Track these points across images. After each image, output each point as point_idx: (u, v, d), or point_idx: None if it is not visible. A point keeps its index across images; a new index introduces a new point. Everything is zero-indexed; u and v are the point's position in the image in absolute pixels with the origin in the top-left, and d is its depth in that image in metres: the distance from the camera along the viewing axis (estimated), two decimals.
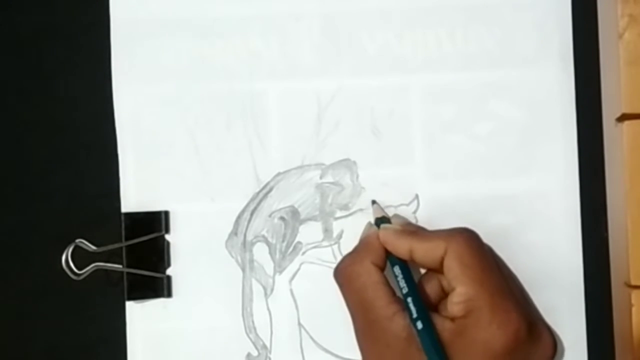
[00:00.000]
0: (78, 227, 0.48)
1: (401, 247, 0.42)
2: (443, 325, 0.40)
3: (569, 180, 0.47)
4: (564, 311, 0.47)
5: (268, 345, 0.48)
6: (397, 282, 0.42)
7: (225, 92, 0.48)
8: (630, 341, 0.43)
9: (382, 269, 0.43)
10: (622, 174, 0.44)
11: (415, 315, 0.40)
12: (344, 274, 0.43)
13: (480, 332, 0.40)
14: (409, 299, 0.41)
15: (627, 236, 0.44)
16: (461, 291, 0.40)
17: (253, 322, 0.48)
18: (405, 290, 0.42)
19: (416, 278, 0.43)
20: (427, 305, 0.42)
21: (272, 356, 0.47)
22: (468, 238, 0.42)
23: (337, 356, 0.47)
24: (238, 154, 0.48)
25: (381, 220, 0.45)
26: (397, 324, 0.41)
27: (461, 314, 0.40)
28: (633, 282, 0.43)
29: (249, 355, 0.48)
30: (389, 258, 0.43)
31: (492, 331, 0.40)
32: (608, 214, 0.47)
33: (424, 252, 0.42)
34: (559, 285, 0.47)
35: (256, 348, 0.48)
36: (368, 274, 0.42)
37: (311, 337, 0.48)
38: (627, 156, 0.44)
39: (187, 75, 0.48)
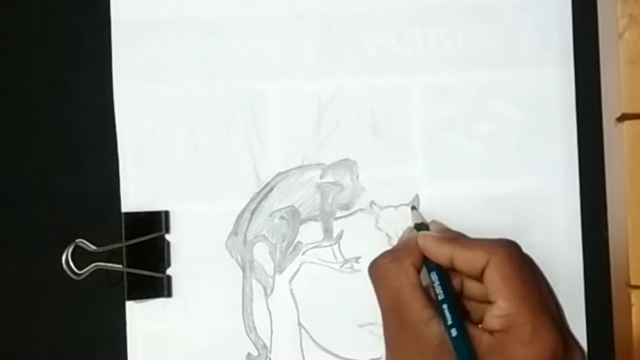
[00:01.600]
0: (78, 227, 0.48)
1: (442, 253, 0.42)
2: (480, 338, 0.40)
3: (569, 180, 0.47)
4: (564, 311, 0.47)
5: (268, 345, 0.48)
6: (434, 287, 0.42)
7: (225, 92, 0.48)
8: (630, 341, 0.43)
9: (418, 272, 0.42)
10: (622, 174, 0.44)
11: (450, 322, 0.40)
12: (381, 271, 0.42)
13: (521, 349, 0.39)
14: (445, 306, 0.41)
15: (627, 236, 0.44)
16: (502, 305, 0.40)
17: (253, 322, 0.48)
18: (441, 297, 0.41)
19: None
20: (462, 314, 0.41)
21: (272, 356, 0.47)
22: (510, 251, 0.41)
23: (337, 356, 0.47)
24: (238, 154, 0.48)
25: (420, 226, 0.45)
26: (432, 330, 0.40)
27: (500, 328, 0.40)
28: (633, 282, 0.43)
29: (249, 355, 0.48)
30: (426, 263, 0.43)
31: (532, 349, 0.39)
32: (608, 214, 0.47)
33: (464, 260, 0.41)
34: (559, 285, 0.47)
35: (256, 348, 0.48)
36: (406, 275, 0.42)
37: (311, 337, 0.48)
38: (627, 156, 0.44)
39: (187, 75, 0.48)
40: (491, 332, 0.40)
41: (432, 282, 0.42)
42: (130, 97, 0.48)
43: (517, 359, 0.39)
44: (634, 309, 0.43)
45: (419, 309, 0.41)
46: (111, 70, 0.48)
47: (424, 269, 0.43)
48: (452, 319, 0.40)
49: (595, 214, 0.47)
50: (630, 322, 0.43)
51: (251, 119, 0.48)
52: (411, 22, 0.48)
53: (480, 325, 0.41)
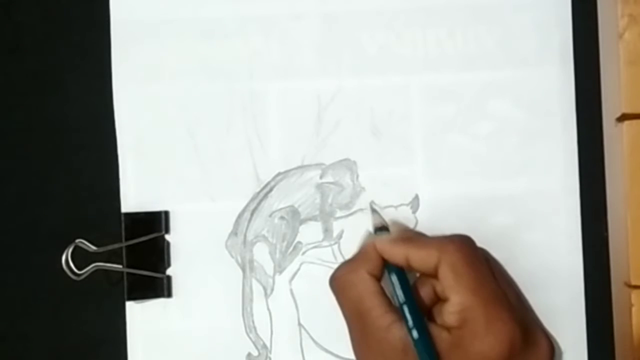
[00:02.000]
0: (78, 227, 0.48)
1: (397, 255, 0.42)
2: (440, 336, 0.40)
3: (569, 180, 0.47)
4: (564, 311, 0.47)
5: (268, 345, 0.48)
6: (394, 290, 0.42)
7: (225, 92, 0.48)
8: (630, 341, 0.43)
9: (378, 279, 0.42)
10: (622, 174, 0.44)
11: (411, 324, 0.40)
12: (339, 283, 0.43)
13: (477, 343, 0.40)
14: (405, 307, 0.41)
15: (627, 236, 0.44)
16: (456, 301, 0.40)
17: (253, 322, 0.48)
18: (401, 299, 0.41)
19: (411, 281, 0.43)
20: (423, 311, 0.41)
21: (272, 356, 0.47)
22: (461, 246, 0.41)
23: (337, 356, 0.47)
24: (238, 154, 0.48)
25: (380, 228, 0.45)
26: (394, 335, 0.40)
27: (456, 324, 0.40)
28: (633, 282, 0.43)
29: (249, 355, 0.48)
30: (386, 266, 0.43)
31: (488, 342, 0.40)
32: (608, 214, 0.47)
33: (418, 260, 0.42)
34: (559, 285, 0.47)
35: (256, 348, 0.48)
36: (364, 284, 0.42)
37: (311, 337, 0.48)
38: (627, 156, 0.44)
39: (187, 75, 0.48)
40: (449, 328, 0.40)
41: (392, 285, 0.42)
42: (130, 97, 0.48)
43: (475, 353, 0.40)
44: (634, 309, 0.43)
45: (379, 316, 0.41)
46: (111, 70, 0.48)
47: (386, 273, 0.43)
48: (413, 320, 0.40)
49: (595, 214, 0.47)
50: (630, 322, 0.43)
51: (251, 119, 0.48)
52: (411, 22, 0.48)
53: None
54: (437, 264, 0.41)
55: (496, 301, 0.41)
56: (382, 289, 0.42)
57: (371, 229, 0.46)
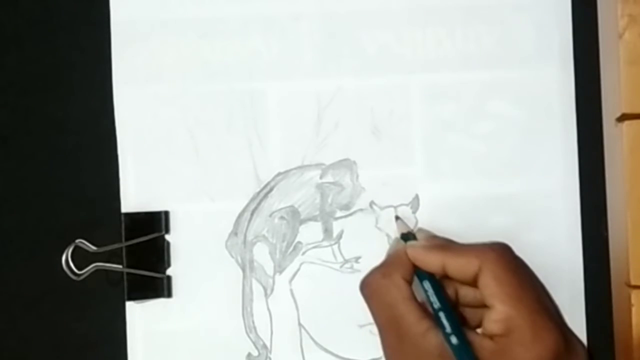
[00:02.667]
0: (78, 227, 0.48)
1: (433, 262, 0.42)
2: (481, 344, 0.40)
3: (569, 180, 0.47)
4: (564, 311, 0.47)
5: (268, 345, 0.48)
6: (428, 297, 0.41)
7: (225, 92, 0.48)
8: (630, 341, 0.43)
9: (410, 284, 0.42)
10: (622, 174, 0.44)
11: (449, 330, 0.40)
12: (372, 288, 0.42)
13: (522, 351, 0.39)
14: (442, 314, 0.40)
15: (627, 236, 0.44)
16: (500, 309, 0.40)
17: (253, 322, 0.48)
18: (436, 305, 0.41)
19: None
20: (460, 321, 0.41)
21: (272, 356, 0.47)
22: (502, 254, 0.41)
23: (337, 356, 0.47)
24: (238, 154, 0.48)
25: (406, 236, 0.45)
26: (430, 342, 0.40)
27: (500, 332, 0.40)
28: (633, 282, 0.43)
29: (249, 355, 0.48)
30: (417, 273, 0.42)
31: (535, 350, 0.39)
32: (608, 214, 0.47)
33: (457, 267, 0.41)
34: (559, 285, 0.47)
35: (256, 348, 0.48)
36: (398, 289, 0.41)
37: (311, 337, 0.48)
38: (627, 156, 0.44)
39: (187, 75, 0.48)
40: (491, 337, 0.40)
41: (426, 292, 0.42)
42: (130, 97, 0.48)
43: None
44: (634, 309, 0.43)
45: (414, 322, 0.40)
46: (111, 70, 0.48)
47: (416, 280, 0.42)
48: (451, 326, 0.40)
49: (595, 214, 0.47)
50: (630, 322, 0.43)
51: (251, 119, 0.48)
52: (411, 22, 0.48)
53: (479, 331, 0.41)
54: (476, 272, 0.40)
55: (540, 310, 0.40)
56: (414, 295, 0.42)
57: (397, 236, 0.46)
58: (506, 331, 0.40)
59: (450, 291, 0.43)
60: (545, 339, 0.40)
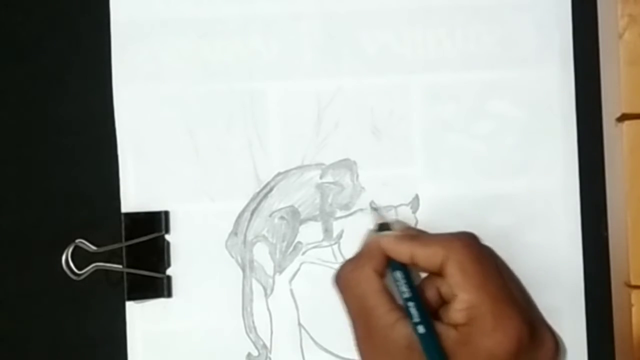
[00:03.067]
0: (78, 227, 0.48)
1: (402, 252, 0.42)
2: (447, 334, 0.40)
3: (569, 180, 0.47)
4: (564, 311, 0.47)
5: (268, 345, 0.48)
6: (398, 287, 0.42)
7: (225, 92, 0.48)
8: (630, 341, 0.43)
9: (382, 276, 0.42)
10: (622, 174, 0.44)
11: (417, 319, 0.40)
12: (344, 281, 0.43)
13: (484, 339, 0.40)
14: (411, 304, 0.41)
15: (627, 236, 0.44)
16: (463, 298, 0.40)
17: (253, 322, 0.48)
18: (406, 295, 0.41)
19: (416, 282, 0.43)
20: (428, 312, 0.41)
21: (272, 356, 0.47)
22: (468, 244, 0.41)
23: (337, 356, 0.47)
24: (238, 154, 0.48)
25: (381, 226, 0.45)
26: (399, 332, 0.40)
27: (464, 321, 0.40)
28: (633, 282, 0.43)
29: (249, 355, 0.48)
30: (390, 263, 0.43)
31: (496, 338, 0.39)
32: (608, 214, 0.47)
33: (424, 257, 0.41)
34: (559, 285, 0.47)
35: (256, 348, 0.48)
36: (368, 281, 0.42)
37: (311, 337, 0.48)
38: (627, 156, 0.44)
39: (187, 75, 0.48)
40: (456, 326, 0.40)
41: (396, 281, 0.42)
42: (130, 97, 0.48)
43: (482, 350, 0.39)
44: (634, 309, 0.43)
45: (384, 313, 0.41)
46: (111, 70, 0.48)
47: (389, 270, 0.43)
48: (420, 316, 0.40)
49: (595, 214, 0.47)
50: (630, 322, 0.43)
51: (251, 119, 0.48)
52: (411, 22, 0.48)
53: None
54: (443, 261, 0.41)
55: (504, 298, 0.40)
56: (386, 287, 0.42)
57: (372, 227, 0.46)
58: (469, 320, 0.40)
59: (432, 289, 0.43)
60: (507, 327, 0.40)
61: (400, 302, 0.42)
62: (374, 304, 0.41)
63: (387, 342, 0.40)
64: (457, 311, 0.40)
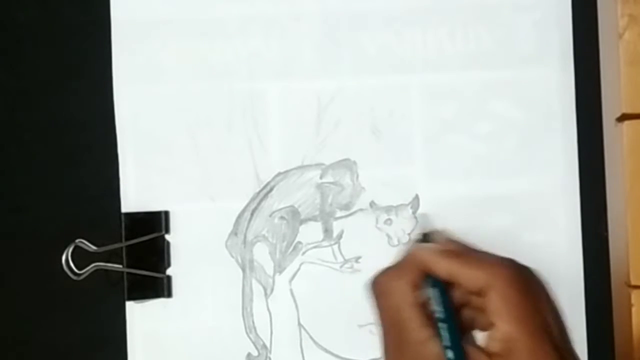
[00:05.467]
0: (78, 227, 0.48)
1: (443, 269, 0.41)
2: (479, 359, 0.39)
3: (569, 180, 0.47)
4: (564, 311, 0.47)
5: (268, 345, 0.48)
6: (433, 304, 0.41)
7: (225, 92, 0.48)
8: (630, 341, 0.43)
9: (419, 288, 0.41)
10: (622, 174, 0.44)
11: (447, 343, 0.39)
12: (380, 288, 0.42)
13: None
14: (443, 325, 0.40)
15: (627, 236, 0.44)
16: (503, 329, 0.39)
17: (253, 322, 0.48)
18: (439, 315, 0.40)
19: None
20: (461, 327, 0.41)
21: (272, 356, 0.47)
22: (514, 273, 0.40)
23: (337, 356, 0.47)
24: (238, 154, 0.48)
25: (425, 236, 0.44)
26: (430, 351, 0.39)
27: (500, 352, 0.39)
28: (633, 282, 0.43)
29: (249, 355, 0.48)
30: (428, 277, 0.42)
31: None
32: (608, 214, 0.47)
33: (466, 279, 0.41)
34: (559, 285, 0.47)
35: (256, 348, 0.48)
36: (405, 293, 0.41)
37: (311, 337, 0.48)
38: (627, 156, 0.44)
39: (187, 75, 0.48)
40: (489, 354, 0.40)
41: (431, 298, 0.41)
42: (130, 97, 0.48)
43: None
44: (634, 309, 0.43)
45: (416, 328, 0.40)
46: (111, 70, 0.48)
47: (425, 284, 0.42)
48: (450, 340, 0.39)
49: (595, 214, 0.47)
50: (630, 322, 0.43)
51: (251, 119, 0.48)
52: (411, 22, 0.48)
53: (482, 336, 0.41)
54: (485, 287, 0.40)
55: (542, 334, 0.40)
56: (421, 300, 0.41)
57: (416, 236, 0.45)
58: (504, 351, 0.39)
59: (468, 309, 0.42)
60: None
61: (435, 315, 0.41)
62: (407, 317, 0.40)
63: (417, 358, 0.40)
64: (494, 340, 0.39)
